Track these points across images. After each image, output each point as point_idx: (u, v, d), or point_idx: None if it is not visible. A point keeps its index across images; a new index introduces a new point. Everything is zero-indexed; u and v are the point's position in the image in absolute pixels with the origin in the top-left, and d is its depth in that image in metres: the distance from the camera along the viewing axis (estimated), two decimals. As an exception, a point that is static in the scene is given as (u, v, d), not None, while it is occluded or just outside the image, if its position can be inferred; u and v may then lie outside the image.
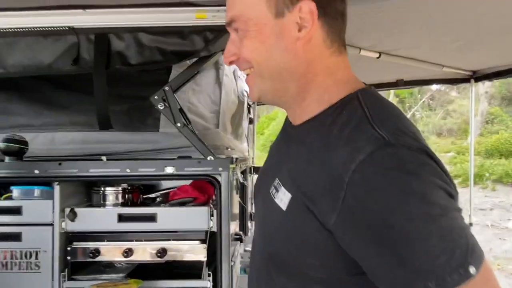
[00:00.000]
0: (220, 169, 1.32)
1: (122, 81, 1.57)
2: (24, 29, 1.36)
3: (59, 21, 1.35)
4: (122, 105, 1.56)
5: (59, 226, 1.32)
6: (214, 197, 1.52)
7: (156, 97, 1.37)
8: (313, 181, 0.60)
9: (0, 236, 1.32)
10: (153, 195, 1.52)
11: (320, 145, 0.62)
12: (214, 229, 1.34)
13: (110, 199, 1.42)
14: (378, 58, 2.13)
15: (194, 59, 1.43)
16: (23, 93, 1.61)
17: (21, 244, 1.32)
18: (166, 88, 1.37)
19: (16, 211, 1.32)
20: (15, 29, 1.36)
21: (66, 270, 1.33)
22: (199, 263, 1.36)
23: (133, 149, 1.53)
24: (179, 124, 1.36)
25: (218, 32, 1.36)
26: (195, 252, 1.35)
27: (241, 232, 1.74)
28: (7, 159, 1.35)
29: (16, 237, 1.32)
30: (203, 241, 1.35)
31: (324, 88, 0.67)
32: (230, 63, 0.71)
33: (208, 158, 1.34)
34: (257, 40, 0.65)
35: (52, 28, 1.36)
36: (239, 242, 1.67)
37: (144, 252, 1.34)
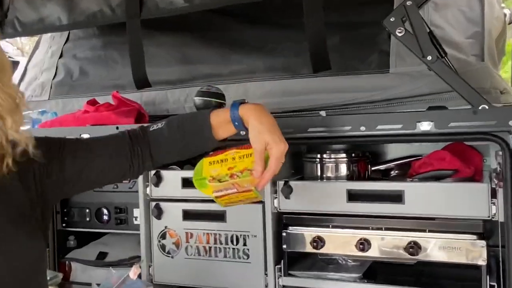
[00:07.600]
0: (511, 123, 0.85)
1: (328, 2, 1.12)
2: None
3: None
4: (331, 37, 1.10)
5: (271, 205, 1.01)
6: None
7: (392, 19, 0.96)
8: None
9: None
10: (383, 167, 1.07)
11: None
12: (498, 217, 0.88)
13: (330, 170, 1.03)
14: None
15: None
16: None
17: (226, 226, 1.07)
18: (408, 3, 0.94)
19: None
20: None
21: (282, 262, 1.02)
22: (473, 267, 0.91)
23: (351, 100, 1.09)
24: (429, 58, 0.93)
25: None
26: (468, 250, 0.90)
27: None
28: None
29: (221, 216, 1.07)
30: (480, 236, 0.90)
31: None
32: None
33: (480, 108, 0.89)
34: None
35: None
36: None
37: (386, 245, 0.95)
